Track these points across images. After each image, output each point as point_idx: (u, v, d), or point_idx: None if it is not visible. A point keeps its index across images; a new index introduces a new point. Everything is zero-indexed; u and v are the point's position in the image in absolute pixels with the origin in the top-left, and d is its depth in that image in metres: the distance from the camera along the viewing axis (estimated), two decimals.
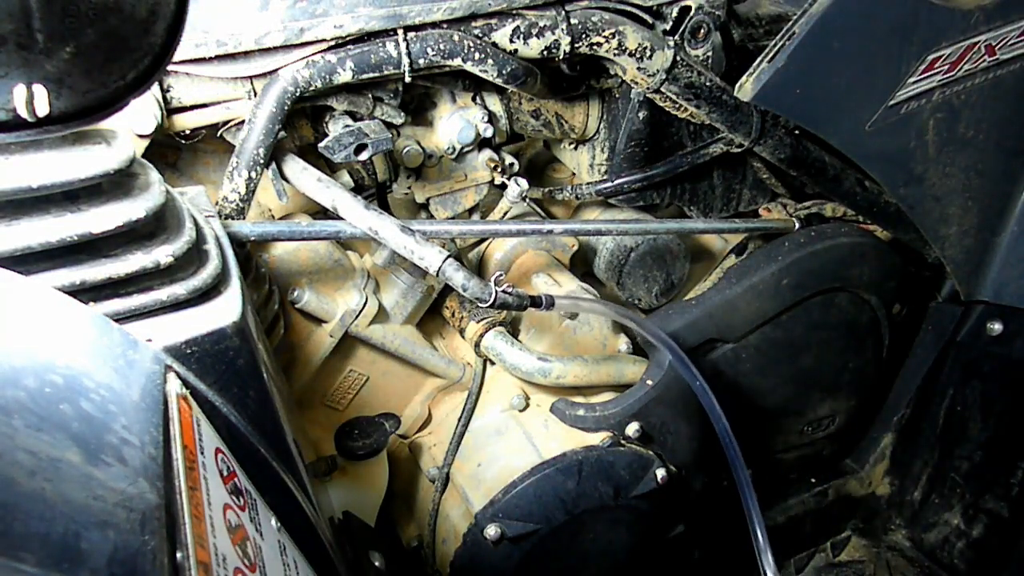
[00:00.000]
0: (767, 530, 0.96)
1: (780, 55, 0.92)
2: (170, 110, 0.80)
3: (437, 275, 0.82)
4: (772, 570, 0.93)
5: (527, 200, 1.09)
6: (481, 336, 1.01)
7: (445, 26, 0.84)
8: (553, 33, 0.88)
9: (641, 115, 1.05)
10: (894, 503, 1.59)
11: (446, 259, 0.81)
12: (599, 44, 0.92)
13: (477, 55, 0.85)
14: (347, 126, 0.85)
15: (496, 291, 0.83)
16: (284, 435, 0.64)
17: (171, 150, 0.89)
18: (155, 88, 0.78)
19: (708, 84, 1.00)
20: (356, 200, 0.83)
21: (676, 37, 0.98)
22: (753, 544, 0.95)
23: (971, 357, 1.43)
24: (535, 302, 0.87)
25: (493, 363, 1.04)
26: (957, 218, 1.23)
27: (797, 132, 1.10)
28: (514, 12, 0.87)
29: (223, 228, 0.71)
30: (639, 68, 0.96)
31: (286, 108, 0.81)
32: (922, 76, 1.02)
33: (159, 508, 0.37)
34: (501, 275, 0.85)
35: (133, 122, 0.76)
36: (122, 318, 0.54)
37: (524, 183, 1.01)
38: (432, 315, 1.07)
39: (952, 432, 1.49)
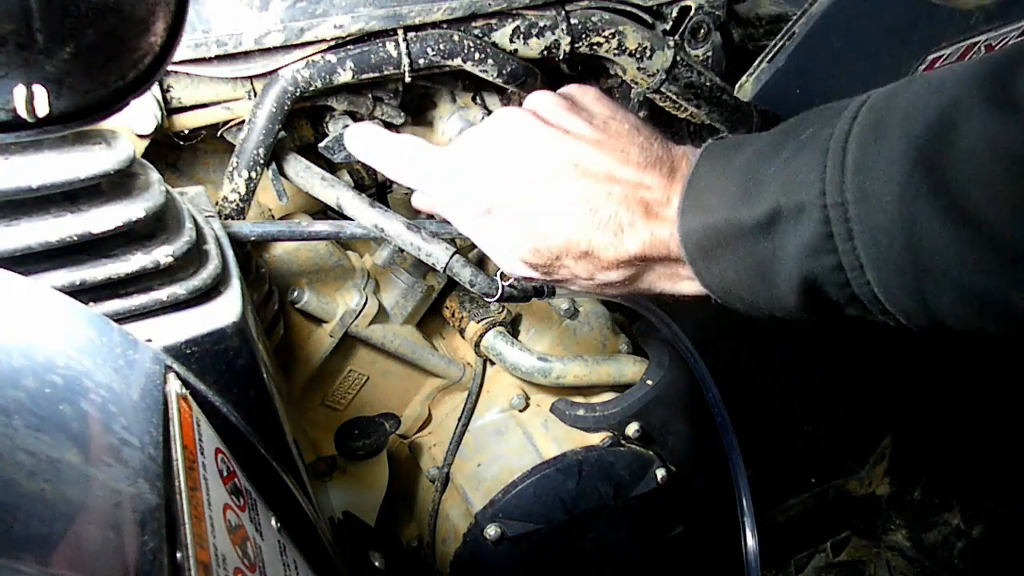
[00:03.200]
0: (766, 529, 0.97)
1: (780, 55, 0.92)
2: (170, 110, 0.80)
3: (444, 271, 0.82)
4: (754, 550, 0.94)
5: None
6: (481, 336, 1.01)
7: (445, 26, 0.84)
8: (553, 33, 0.88)
9: (641, 115, 1.05)
10: (894, 503, 1.59)
11: (453, 255, 0.82)
12: (599, 44, 0.92)
13: (477, 55, 0.85)
14: (347, 126, 0.85)
15: (502, 285, 0.84)
16: (284, 435, 0.64)
17: (171, 150, 0.89)
18: (155, 88, 0.78)
19: (708, 84, 1.00)
20: (361, 198, 0.83)
21: (676, 37, 0.98)
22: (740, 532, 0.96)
23: (970, 357, 1.43)
24: (538, 292, 0.88)
25: (493, 363, 1.04)
26: None
27: None
28: (514, 12, 0.87)
29: (223, 228, 0.71)
30: (639, 68, 0.96)
31: (286, 108, 0.81)
32: None
33: (159, 508, 0.37)
34: None
35: (133, 122, 0.76)
36: (122, 318, 0.54)
37: None
38: (432, 315, 1.07)
39: (952, 432, 1.49)
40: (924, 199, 0.50)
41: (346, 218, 0.84)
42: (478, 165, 0.73)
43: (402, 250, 0.85)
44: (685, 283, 0.70)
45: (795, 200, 0.56)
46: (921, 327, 0.56)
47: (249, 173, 0.82)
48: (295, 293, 0.89)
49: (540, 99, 0.75)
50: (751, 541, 0.96)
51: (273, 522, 0.54)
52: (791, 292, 0.60)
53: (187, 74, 0.79)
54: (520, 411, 1.04)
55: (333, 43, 0.80)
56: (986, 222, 0.48)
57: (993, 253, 0.49)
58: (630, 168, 0.68)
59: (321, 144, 0.86)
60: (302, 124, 0.91)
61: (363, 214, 0.82)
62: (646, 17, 0.95)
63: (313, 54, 0.80)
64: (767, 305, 0.63)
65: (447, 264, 0.82)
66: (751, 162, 0.61)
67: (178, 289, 0.56)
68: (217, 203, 0.83)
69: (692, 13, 0.97)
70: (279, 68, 0.80)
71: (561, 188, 0.69)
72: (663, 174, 0.68)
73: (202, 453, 0.45)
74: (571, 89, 0.78)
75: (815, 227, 0.55)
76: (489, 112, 0.99)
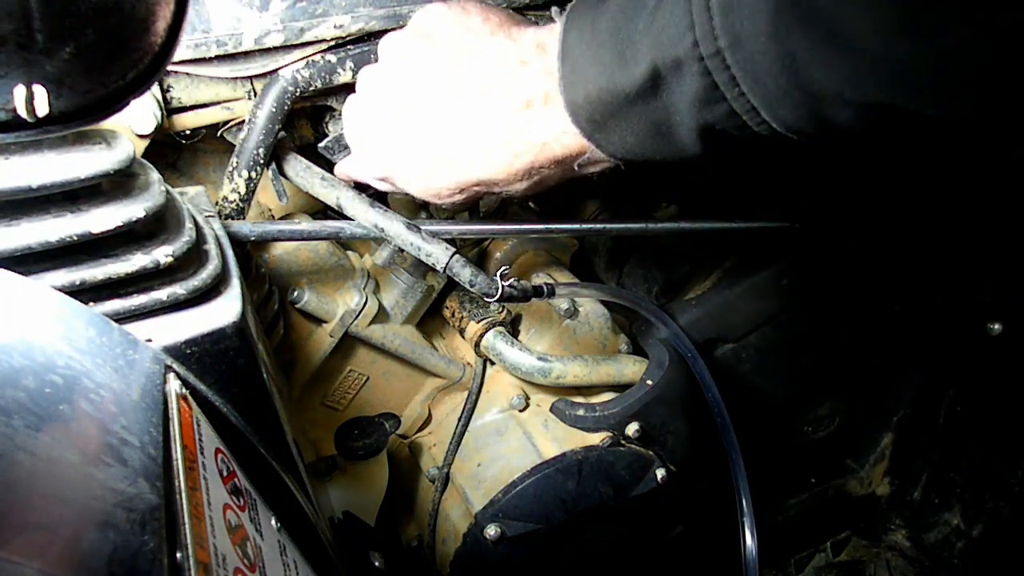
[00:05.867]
0: (766, 529, 0.97)
1: None
2: (170, 110, 0.80)
3: (444, 271, 0.82)
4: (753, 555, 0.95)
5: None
6: (481, 336, 1.01)
7: None
8: None
9: None
10: (894, 503, 1.59)
11: (453, 255, 0.81)
12: None
13: None
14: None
15: (502, 286, 0.83)
16: (284, 435, 0.64)
17: (171, 150, 0.89)
18: (155, 88, 0.78)
19: None
20: (361, 198, 0.83)
21: None
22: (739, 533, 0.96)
23: (971, 357, 1.43)
24: (537, 292, 0.88)
25: (493, 363, 1.04)
26: None
27: None
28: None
29: (223, 228, 0.71)
30: None
31: (286, 108, 0.81)
32: None
33: (159, 508, 0.37)
34: (506, 269, 0.85)
35: (133, 122, 0.76)
36: (122, 318, 0.54)
37: None
38: (432, 315, 1.07)
39: (952, 432, 1.49)
40: (798, 32, 0.50)
41: (346, 218, 0.84)
42: (365, 140, 0.79)
43: (402, 250, 0.85)
44: (587, 168, 0.72)
45: (671, 56, 0.56)
46: (829, 142, 0.57)
47: (249, 173, 0.82)
48: (295, 293, 0.89)
49: (389, 48, 0.76)
50: (750, 541, 0.96)
51: (273, 522, 0.54)
52: (694, 143, 0.60)
53: (187, 74, 0.79)
54: (520, 411, 1.04)
55: (333, 43, 0.80)
56: (865, 44, 0.48)
57: (878, 72, 0.49)
58: (487, 89, 0.69)
59: (321, 144, 0.86)
60: (302, 124, 0.91)
61: (363, 214, 0.82)
62: None
63: (313, 54, 0.80)
64: (675, 158, 0.63)
65: (447, 264, 0.82)
66: (618, 20, 0.60)
67: (178, 289, 0.56)
68: (217, 203, 0.83)
69: None
70: (279, 68, 0.80)
71: (428, 137, 0.73)
72: (514, 77, 0.68)
73: (202, 453, 0.45)
74: (418, 20, 0.77)
75: (698, 80, 0.55)
76: None
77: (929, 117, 0.52)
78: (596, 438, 1.01)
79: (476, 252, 1.08)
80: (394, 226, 0.82)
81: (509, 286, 0.84)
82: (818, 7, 0.49)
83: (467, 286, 0.82)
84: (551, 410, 1.03)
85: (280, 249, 0.88)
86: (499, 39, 0.70)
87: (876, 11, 0.48)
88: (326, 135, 0.87)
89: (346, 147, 0.85)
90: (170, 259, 0.56)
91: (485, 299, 0.84)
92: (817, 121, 0.54)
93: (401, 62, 0.74)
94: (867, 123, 0.54)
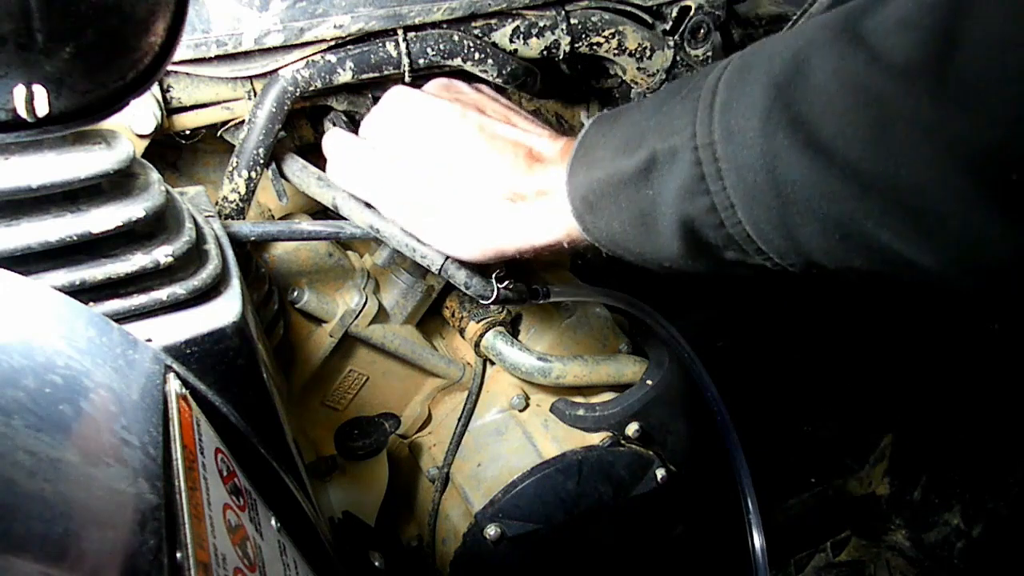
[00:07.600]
0: (767, 529, 0.96)
1: None
2: (170, 110, 0.80)
3: (439, 273, 0.82)
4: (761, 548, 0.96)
5: None
6: (481, 336, 1.01)
7: (445, 26, 0.84)
8: (553, 33, 0.88)
9: None
10: (894, 503, 1.59)
11: (448, 257, 0.81)
12: (599, 44, 0.92)
13: (477, 55, 0.85)
14: (347, 124, 0.86)
15: (498, 288, 0.83)
16: (284, 435, 0.64)
17: (171, 150, 0.89)
18: (155, 88, 0.78)
19: None
20: (357, 199, 0.83)
21: (676, 37, 0.98)
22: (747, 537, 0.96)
23: (971, 357, 1.43)
24: (534, 294, 0.88)
25: (493, 363, 1.04)
26: None
27: None
28: (514, 12, 0.87)
29: (223, 228, 0.71)
30: (639, 68, 0.96)
31: (286, 108, 0.81)
32: None
33: (159, 508, 0.37)
34: (502, 272, 0.85)
35: (133, 122, 0.76)
36: (122, 318, 0.55)
37: None
38: (432, 315, 1.07)
39: (952, 432, 1.49)
40: (783, 132, 0.51)
41: (344, 218, 0.84)
42: (408, 165, 0.78)
43: None
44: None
45: (669, 144, 0.58)
46: (795, 266, 0.57)
47: (249, 173, 0.82)
48: (295, 293, 0.89)
49: (428, 86, 0.82)
50: (758, 539, 0.96)
51: (273, 522, 0.54)
52: (672, 238, 0.61)
53: (187, 74, 0.79)
54: (520, 411, 1.04)
55: (333, 43, 0.80)
56: (838, 152, 0.49)
57: (846, 182, 0.50)
58: (520, 151, 0.74)
59: (328, 118, 0.86)
60: (302, 124, 0.91)
61: (358, 215, 0.82)
62: (646, 17, 0.95)
63: (313, 54, 0.80)
64: (652, 254, 0.65)
65: (442, 266, 0.81)
66: (635, 118, 0.64)
67: (178, 289, 0.56)
68: (217, 203, 0.83)
69: (692, 13, 0.97)
70: (279, 68, 0.80)
71: (475, 172, 0.75)
72: (535, 134, 0.74)
73: (202, 453, 0.45)
74: (446, 80, 0.85)
75: (688, 169, 0.57)
76: None
77: (901, 257, 0.50)
78: (596, 438, 1.01)
79: None
80: (389, 227, 0.81)
81: (505, 288, 0.84)
82: (803, 111, 0.50)
83: (462, 288, 0.82)
84: (551, 410, 1.03)
85: (280, 249, 0.88)
86: (534, 121, 0.79)
87: (851, 117, 0.48)
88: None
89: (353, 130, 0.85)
90: (170, 259, 0.56)
91: (481, 301, 0.84)
92: (785, 230, 0.54)
93: (448, 95, 0.81)
94: (832, 243, 0.53)
